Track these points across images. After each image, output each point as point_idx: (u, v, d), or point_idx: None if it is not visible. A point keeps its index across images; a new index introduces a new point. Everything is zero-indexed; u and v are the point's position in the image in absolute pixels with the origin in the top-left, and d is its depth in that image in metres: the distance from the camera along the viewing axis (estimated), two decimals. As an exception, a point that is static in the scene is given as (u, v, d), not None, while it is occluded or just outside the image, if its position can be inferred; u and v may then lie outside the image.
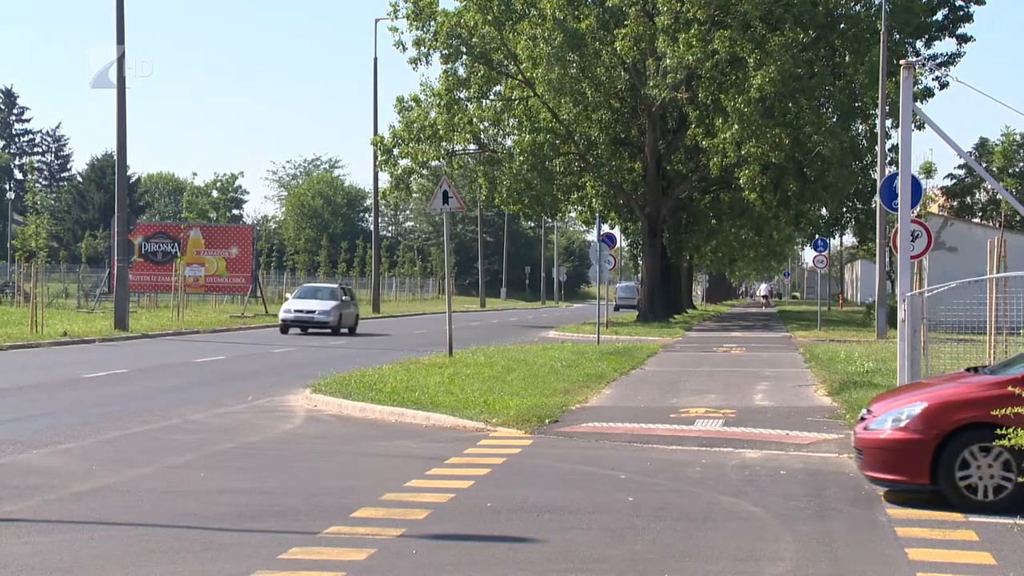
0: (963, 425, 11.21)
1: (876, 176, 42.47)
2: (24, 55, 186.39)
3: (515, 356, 27.67)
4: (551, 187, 50.37)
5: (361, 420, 17.88)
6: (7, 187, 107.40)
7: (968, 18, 54.70)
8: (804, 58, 46.86)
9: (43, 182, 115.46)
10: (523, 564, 8.96)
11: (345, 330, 42.58)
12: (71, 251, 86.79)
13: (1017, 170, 72.57)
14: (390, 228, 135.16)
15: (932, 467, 11.21)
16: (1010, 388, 11.11)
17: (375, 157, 53.31)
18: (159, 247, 55.79)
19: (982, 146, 72.84)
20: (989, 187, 68.84)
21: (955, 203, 71.40)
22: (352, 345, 35.89)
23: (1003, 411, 10.81)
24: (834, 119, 48.59)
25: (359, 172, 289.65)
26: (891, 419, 11.53)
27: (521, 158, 48.01)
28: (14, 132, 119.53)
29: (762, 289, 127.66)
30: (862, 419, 12.05)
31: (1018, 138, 73.59)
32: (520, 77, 48.86)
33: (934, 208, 68.31)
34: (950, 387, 11.91)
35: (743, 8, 45.65)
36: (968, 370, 12.43)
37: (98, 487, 11.88)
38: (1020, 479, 10.93)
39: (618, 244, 65.31)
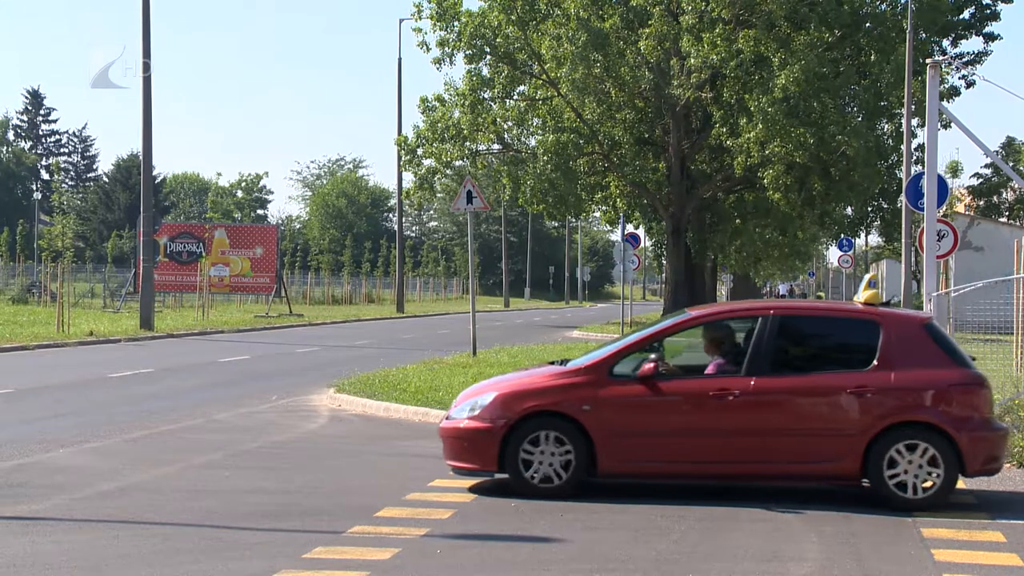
0: (529, 413, 11.54)
1: (902, 175, 42.27)
2: (50, 56, 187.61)
3: (539, 356, 27.66)
4: (575, 187, 50.27)
5: (385, 420, 17.90)
6: (34, 188, 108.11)
7: (995, 16, 54.34)
8: (829, 57, 46.63)
9: (69, 182, 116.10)
10: (547, 564, 8.96)
11: None
12: (97, 251, 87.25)
13: (1044, 169, 72.08)
14: (414, 228, 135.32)
15: (500, 455, 11.51)
16: (575, 377, 11.61)
17: (399, 157, 53.36)
18: (184, 247, 55.98)
19: (1009, 145, 72.34)
20: (1016, 186, 68.39)
21: (982, 202, 70.95)
22: (375, 345, 35.96)
23: (563, 399, 11.44)
24: (859, 118, 48.32)
25: (383, 172, 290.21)
26: (468, 408, 11.84)
27: (545, 158, 47.95)
28: (41, 133, 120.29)
29: (781, 288, 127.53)
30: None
31: (1045, 137, 73.10)
32: (544, 77, 48.82)
33: (960, 208, 67.95)
34: (522, 376, 12.36)
35: (768, 7, 45.49)
36: (551, 363, 12.69)
37: (124, 486, 11.93)
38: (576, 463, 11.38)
39: (642, 244, 65.18)
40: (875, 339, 11.46)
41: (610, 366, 11.72)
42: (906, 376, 11.31)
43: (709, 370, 11.79)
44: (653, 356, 11.69)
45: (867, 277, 12.43)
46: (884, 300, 12.18)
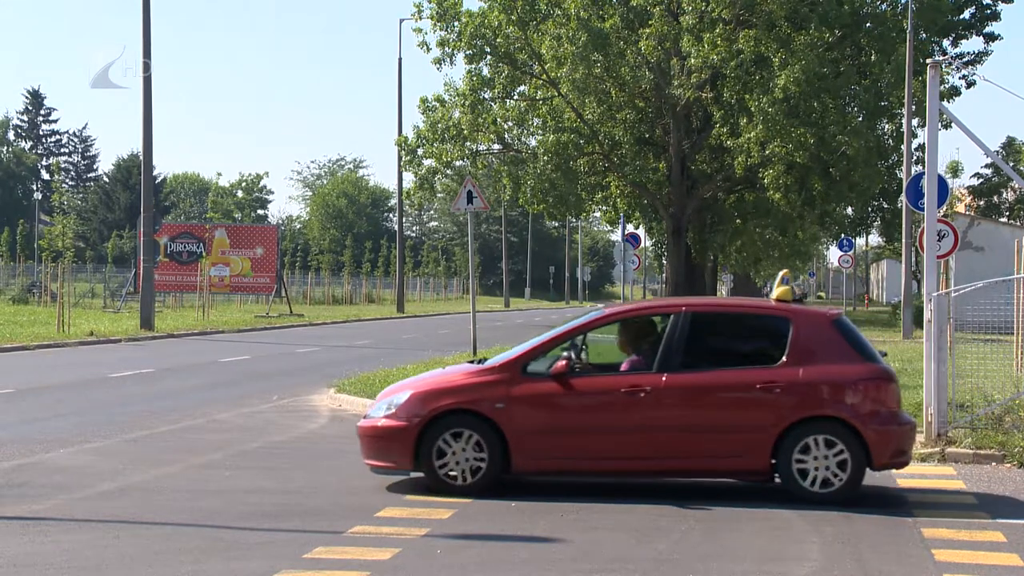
0: (443, 411, 11.62)
1: (902, 175, 42.28)
2: (50, 56, 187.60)
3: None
4: (575, 187, 50.28)
5: (385, 420, 17.88)
6: (34, 187, 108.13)
7: (995, 16, 54.38)
8: (829, 57, 46.63)
9: (70, 182, 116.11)
10: (548, 564, 8.96)
11: None
12: (97, 251, 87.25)
13: (1045, 169, 72.06)
14: (414, 228, 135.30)
15: (415, 453, 11.58)
16: (489, 376, 11.69)
17: (399, 157, 53.36)
18: (184, 247, 55.98)
19: (1010, 145, 72.34)
20: (1017, 186, 68.39)
21: (982, 202, 70.95)
22: (376, 345, 35.96)
23: (477, 397, 11.52)
24: (860, 118, 48.33)
25: (383, 172, 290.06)
26: (384, 407, 11.89)
27: (545, 158, 47.95)
28: (41, 133, 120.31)
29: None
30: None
31: (1046, 137, 73.10)
32: (544, 77, 48.82)
33: (961, 208, 67.94)
34: (439, 375, 12.42)
35: (768, 7, 45.50)
36: (470, 361, 12.73)
37: (124, 486, 11.94)
38: (489, 463, 11.47)
39: (642, 244, 65.20)
40: (785, 336, 11.59)
41: (523, 364, 11.80)
42: (814, 372, 11.44)
43: (623, 367, 11.89)
44: (565, 354, 11.78)
45: (780, 274, 12.54)
46: (796, 297, 12.33)
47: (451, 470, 11.55)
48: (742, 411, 11.49)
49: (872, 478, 12.93)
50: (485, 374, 11.83)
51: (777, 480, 11.49)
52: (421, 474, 11.69)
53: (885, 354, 12.33)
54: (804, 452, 11.28)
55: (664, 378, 11.52)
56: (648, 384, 11.51)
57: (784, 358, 11.50)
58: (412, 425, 11.60)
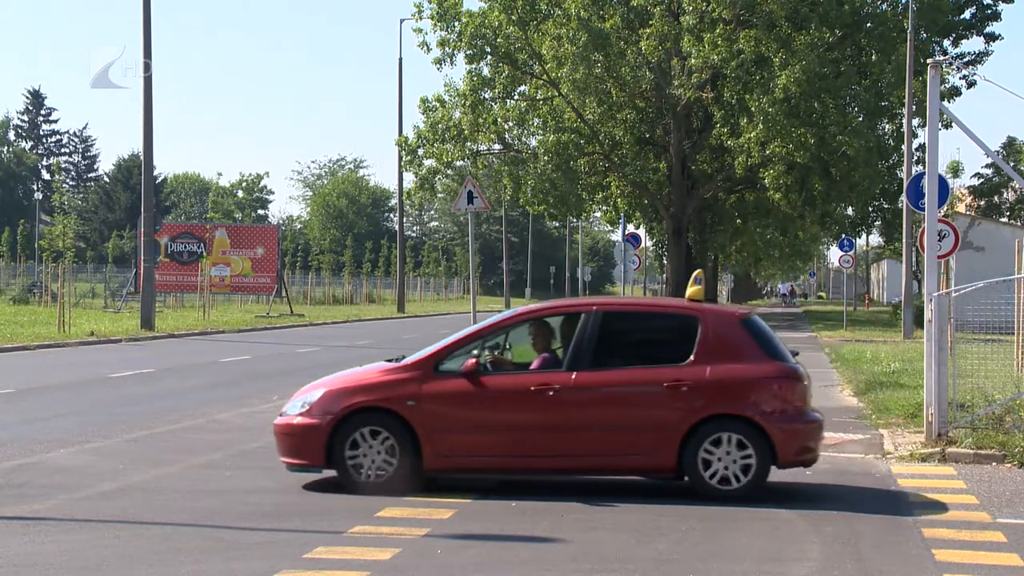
0: (355, 409, 11.66)
1: (903, 175, 42.27)
2: (50, 56, 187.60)
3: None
4: (576, 187, 50.31)
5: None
6: (35, 188, 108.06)
7: (996, 16, 54.39)
8: (830, 57, 46.66)
9: (70, 182, 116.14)
10: (548, 564, 8.96)
11: None
12: (98, 251, 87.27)
13: (1045, 169, 72.02)
14: (415, 228, 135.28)
15: (328, 450, 11.62)
16: (402, 373, 11.76)
17: (400, 157, 53.39)
18: (185, 247, 55.99)
19: (1010, 145, 72.32)
20: (1017, 186, 68.37)
21: (983, 202, 70.94)
22: (376, 345, 35.96)
23: (389, 395, 11.61)
24: (860, 118, 48.36)
25: (384, 172, 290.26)
26: (299, 405, 11.95)
27: (546, 158, 47.97)
28: (41, 133, 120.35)
29: (780, 288, 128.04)
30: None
31: (1046, 137, 73.05)
32: (545, 77, 48.83)
33: (961, 207, 67.90)
34: (355, 373, 12.44)
35: (769, 7, 45.52)
36: (388, 360, 12.73)
37: (124, 486, 11.94)
38: (401, 462, 11.51)
39: (643, 244, 65.18)
40: (694, 334, 11.67)
41: (436, 362, 11.85)
42: (721, 370, 11.52)
43: (535, 365, 11.95)
44: (475, 352, 11.87)
45: (695, 274, 12.63)
46: (709, 298, 12.33)
47: (363, 467, 11.62)
48: (649, 409, 11.59)
49: (873, 478, 12.94)
50: (398, 372, 11.90)
51: (686, 479, 11.55)
52: (334, 472, 11.74)
53: (797, 353, 12.43)
54: (710, 449, 11.38)
55: (573, 376, 11.61)
56: (557, 382, 11.59)
57: (692, 357, 11.60)
58: (324, 423, 11.66)
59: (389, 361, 12.45)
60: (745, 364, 11.58)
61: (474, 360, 11.73)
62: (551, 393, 11.55)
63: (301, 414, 11.84)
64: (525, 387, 11.69)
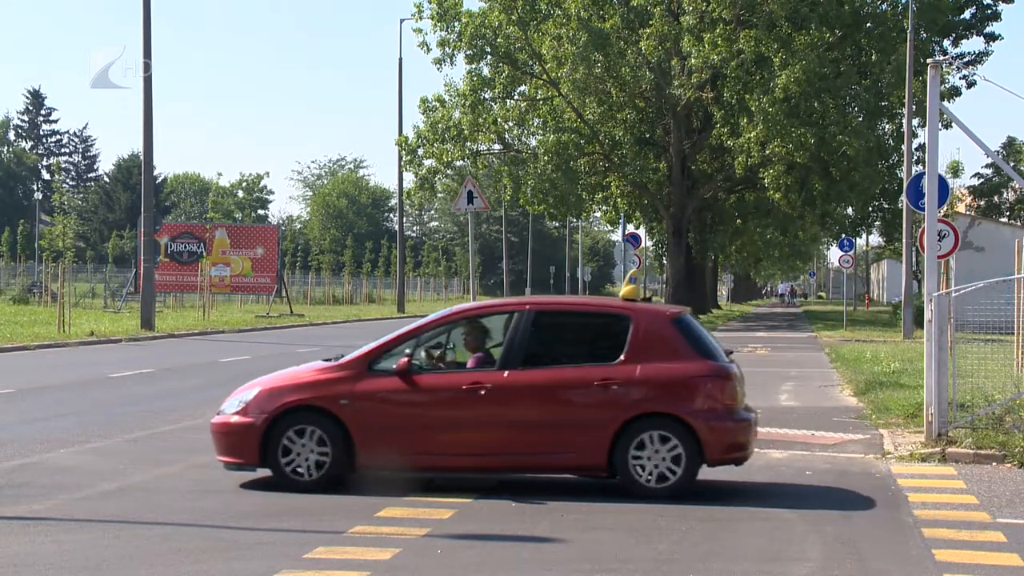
0: (289, 408, 11.74)
1: (903, 175, 42.27)
2: (50, 56, 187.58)
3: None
4: (575, 187, 50.31)
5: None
6: (35, 188, 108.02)
7: (996, 16, 54.42)
8: (830, 57, 46.66)
9: (70, 182, 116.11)
10: (548, 564, 8.96)
11: None
12: (98, 251, 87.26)
13: (1045, 169, 71.99)
14: (415, 228, 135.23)
15: (262, 449, 11.70)
16: (337, 372, 11.85)
17: (400, 157, 53.39)
18: (185, 247, 55.98)
19: (1010, 145, 72.33)
20: (1017, 186, 68.36)
21: (982, 202, 70.93)
22: (377, 345, 35.94)
23: (322, 393, 11.69)
24: (860, 118, 48.37)
25: (384, 172, 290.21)
26: (236, 403, 12.01)
27: (546, 158, 47.97)
28: (42, 133, 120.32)
29: (779, 288, 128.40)
30: None
31: (1046, 137, 73.02)
32: (545, 77, 48.84)
33: (961, 207, 67.87)
34: (291, 372, 12.51)
35: (769, 7, 45.52)
36: (327, 359, 12.76)
37: (124, 486, 11.94)
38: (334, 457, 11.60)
39: (643, 244, 65.18)
40: (625, 333, 11.74)
41: (370, 361, 11.93)
42: (651, 369, 11.59)
43: (470, 364, 12.02)
44: (408, 351, 11.91)
45: (629, 273, 12.66)
46: (645, 296, 12.44)
47: (297, 466, 11.68)
48: (580, 408, 11.66)
49: (873, 478, 12.94)
50: (333, 371, 11.98)
51: (617, 478, 11.58)
52: (268, 470, 11.79)
53: (731, 353, 12.49)
54: (640, 448, 11.44)
55: (505, 375, 11.70)
56: (489, 381, 11.67)
57: (623, 356, 11.67)
58: (259, 421, 11.74)
59: (327, 360, 12.52)
60: (675, 363, 11.65)
61: (406, 359, 11.79)
62: (483, 392, 11.63)
63: (237, 413, 11.93)
64: (457, 386, 11.76)
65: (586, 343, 12.22)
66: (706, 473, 11.84)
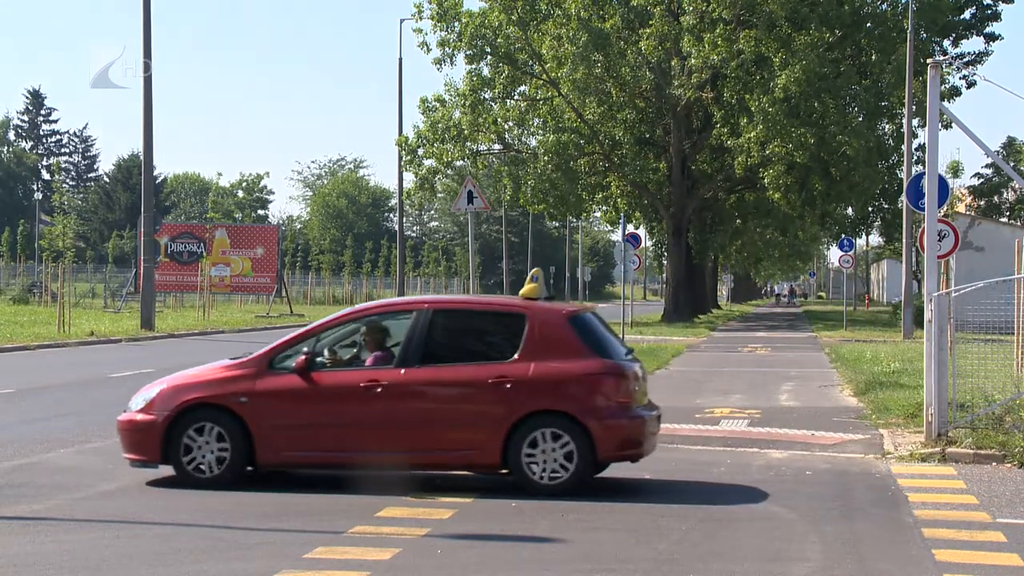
0: (190, 405, 11.87)
1: (903, 176, 42.26)
2: (50, 56, 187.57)
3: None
4: (575, 187, 50.29)
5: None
6: (35, 188, 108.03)
7: (996, 16, 54.40)
8: (830, 57, 46.66)
9: (70, 182, 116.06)
10: (548, 564, 8.96)
11: None
12: (98, 251, 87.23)
13: (1045, 169, 71.96)
14: (415, 228, 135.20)
15: (164, 446, 11.81)
16: (238, 370, 12.00)
17: (400, 157, 53.38)
18: (185, 247, 55.99)
19: (1010, 145, 72.32)
20: (1017, 186, 68.35)
21: (982, 202, 70.92)
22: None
23: (223, 391, 11.84)
24: (860, 118, 48.36)
25: (384, 172, 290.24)
26: (140, 401, 12.13)
27: (546, 158, 47.97)
28: (41, 133, 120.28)
29: (779, 287, 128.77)
30: None
31: (1046, 137, 73.01)
32: (545, 77, 48.84)
33: (961, 207, 67.87)
34: (197, 370, 12.60)
35: (769, 7, 45.51)
36: (233, 358, 12.83)
37: (124, 486, 11.95)
38: (235, 454, 11.73)
39: (643, 244, 65.17)
40: (521, 332, 11.84)
41: (271, 359, 12.06)
42: (545, 367, 11.67)
43: (369, 362, 12.09)
44: (305, 349, 12.01)
45: (531, 272, 12.70)
46: (548, 295, 12.63)
47: (199, 463, 11.80)
48: (474, 405, 11.76)
49: (873, 478, 12.94)
50: (235, 369, 12.13)
51: (513, 476, 11.64)
52: (170, 468, 11.89)
53: (632, 350, 12.59)
54: (533, 446, 11.52)
55: (402, 373, 11.80)
56: (385, 379, 11.77)
57: (517, 354, 11.75)
58: (161, 419, 11.87)
59: (234, 359, 12.59)
60: (568, 361, 11.71)
61: (303, 357, 11.88)
62: (379, 390, 11.74)
63: (140, 410, 12.05)
64: (355, 383, 11.86)
65: (483, 341, 12.32)
66: (708, 472, 11.83)
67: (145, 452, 11.92)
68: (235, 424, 11.78)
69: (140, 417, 12.01)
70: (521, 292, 12.39)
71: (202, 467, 11.77)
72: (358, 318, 12.44)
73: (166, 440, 11.81)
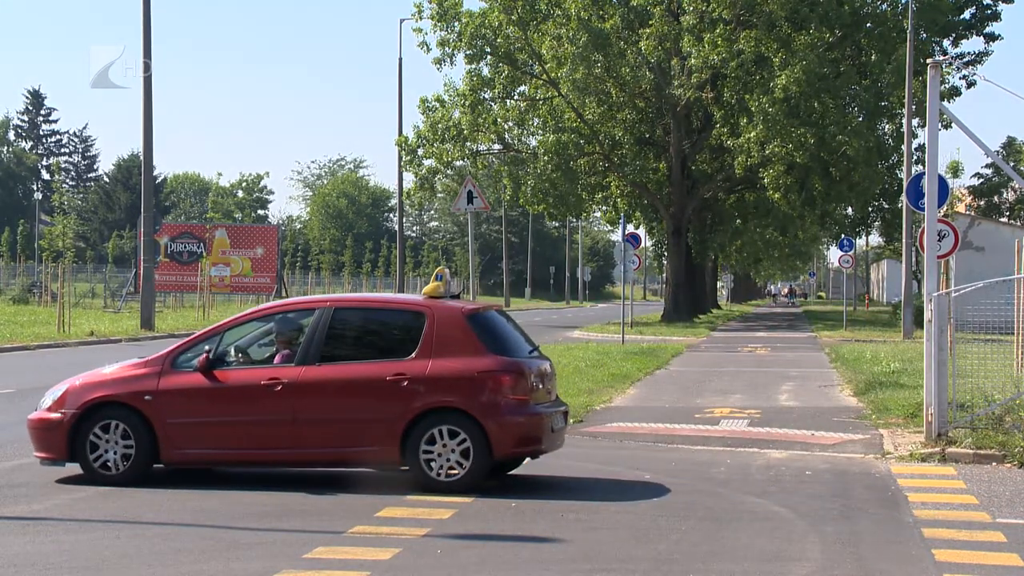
0: (95, 404, 12.02)
1: (902, 176, 42.27)
2: (50, 56, 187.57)
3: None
4: (575, 187, 50.30)
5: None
6: (35, 188, 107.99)
7: (995, 16, 54.39)
8: (830, 57, 46.66)
9: (70, 182, 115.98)
10: (548, 564, 8.96)
11: None
12: (98, 251, 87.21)
13: (1045, 169, 71.94)
14: (415, 228, 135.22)
15: (71, 444, 11.97)
16: (143, 368, 12.17)
17: (400, 157, 53.39)
18: (185, 247, 55.98)
19: (1010, 145, 72.33)
20: (1017, 186, 68.36)
21: (982, 202, 70.91)
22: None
23: (128, 389, 12.00)
24: (860, 118, 48.38)
25: (384, 172, 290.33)
26: (48, 399, 12.27)
27: (546, 158, 47.97)
28: (41, 133, 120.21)
29: (775, 288, 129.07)
30: None
31: (1046, 137, 73.00)
32: (544, 77, 48.85)
33: (961, 207, 67.87)
34: (103, 369, 12.65)
35: (769, 8, 45.52)
36: (141, 357, 12.91)
37: (124, 486, 11.94)
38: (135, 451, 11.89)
39: (643, 244, 65.19)
40: (420, 330, 11.96)
41: (175, 357, 12.21)
42: (442, 364, 11.78)
43: (276, 361, 12.21)
44: (207, 347, 12.11)
45: (436, 271, 12.74)
46: (454, 293, 12.90)
47: (105, 460, 11.94)
48: (372, 403, 11.84)
49: (873, 478, 12.94)
50: (141, 367, 12.29)
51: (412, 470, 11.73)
52: (77, 465, 11.99)
53: (536, 348, 12.68)
54: (431, 443, 11.63)
55: (302, 371, 11.91)
56: (286, 377, 11.90)
57: (415, 352, 11.87)
58: (67, 417, 12.01)
59: (141, 358, 12.70)
60: (466, 359, 11.81)
61: (205, 356, 12.00)
62: (279, 388, 11.84)
63: (47, 408, 12.19)
64: (255, 382, 11.98)
65: (384, 339, 12.43)
66: (708, 472, 11.83)
67: (52, 450, 12.07)
68: (140, 422, 11.92)
69: (47, 415, 12.16)
70: (424, 290, 12.50)
71: (108, 464, 11.92)
72: (261, 317, 12.62)
73: (72, 438, 11.95)
